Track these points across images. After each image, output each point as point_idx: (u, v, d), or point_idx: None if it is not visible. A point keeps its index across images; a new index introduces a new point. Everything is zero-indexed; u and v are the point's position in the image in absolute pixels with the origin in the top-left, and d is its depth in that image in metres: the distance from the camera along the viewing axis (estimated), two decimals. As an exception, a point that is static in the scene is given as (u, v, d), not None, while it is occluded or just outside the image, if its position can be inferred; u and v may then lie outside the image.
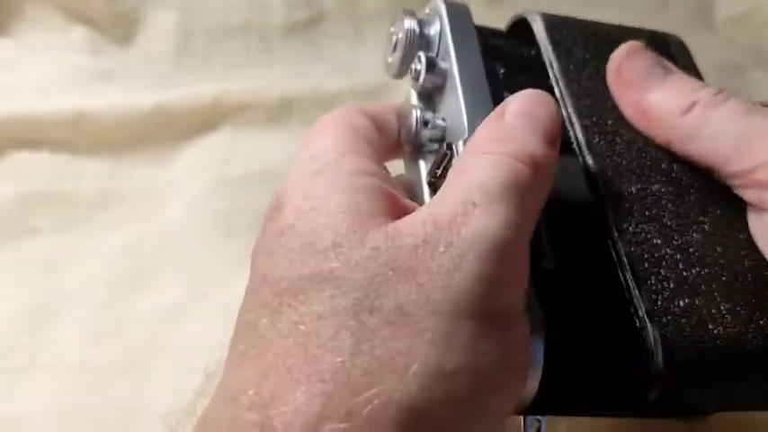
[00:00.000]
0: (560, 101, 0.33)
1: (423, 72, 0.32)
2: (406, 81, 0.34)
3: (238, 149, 0.57)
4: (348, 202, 0.26)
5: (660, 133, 0.32)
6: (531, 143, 0.27)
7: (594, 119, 0.33)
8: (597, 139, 0.32)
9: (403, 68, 0.33)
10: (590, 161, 0.31)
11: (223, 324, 0.47)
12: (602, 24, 0.38)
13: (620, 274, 0.28)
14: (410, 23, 0.33)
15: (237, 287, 0.49)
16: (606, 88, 0.34)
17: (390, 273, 0.23)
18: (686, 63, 0.38)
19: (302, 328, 0.23)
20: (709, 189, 0.31)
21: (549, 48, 0.35)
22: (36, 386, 0.44)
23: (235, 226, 0.51)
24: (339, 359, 0.22)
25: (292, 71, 0.63)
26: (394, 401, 0.21)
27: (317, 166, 0.28)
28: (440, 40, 0.32)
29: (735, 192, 0.31)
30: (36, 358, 0.45)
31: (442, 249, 0.23)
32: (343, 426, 0.21)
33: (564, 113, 0.33)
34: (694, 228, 0.30)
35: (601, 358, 0.28)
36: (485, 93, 0.31)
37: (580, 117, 0.33)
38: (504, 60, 0.34)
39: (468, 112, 0.30)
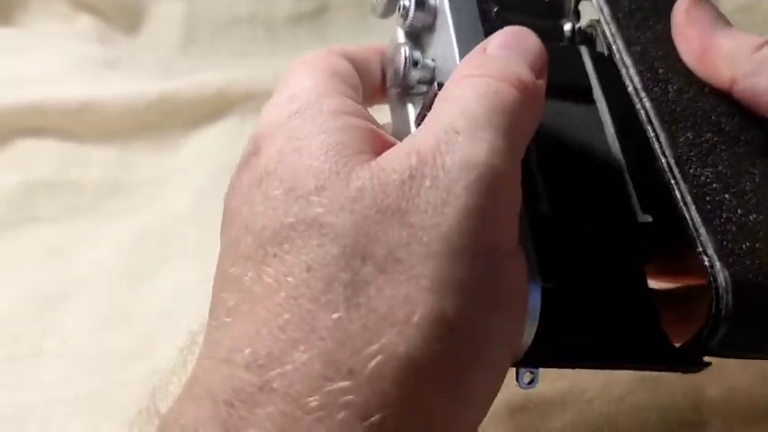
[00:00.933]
0: (612, 45, 0.33)
1: (412, 9, 0.30)
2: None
3: (245, 138, 0.56)
4: (330, 142, 0.24)
5: (725, 71, 0.32)
6: (517, 68, 0.26)
7: (647, 65, 0.32)
8: (652, 85, 0.31)
9: (390, 7, 0.32)
10: (647, 104, 0.31)
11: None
12: None
13: (686, 215, 0.28)
14: None
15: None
16: (656, 38, 0.34)
17: (378, 215, 0.22)
18: None
19: (291, 280, 0.22)
20: (756, 142, 0.32)
21: None
22: (42, 373, 0.44)
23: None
24: (335, 315, 0.21)
25: (298, 61, 0.62)
26: (397, 356, 0.21)
27: (295, 107, 0.26)
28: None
29: None
30: (42, 346, 0.45)
31: (428, 184, 0.22)
32: (344, 384, 0.20)
33: (617, 57, 0.32)
34: (746, 177, 0.30)
35: (606, 306, 0.28)
36: (477, 30, 0.30)
37: (634, 62, 0.32)
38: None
39: (459, 50, 0.29)
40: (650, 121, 0.30)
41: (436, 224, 0.22)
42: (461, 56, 0.28)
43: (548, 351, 0.26)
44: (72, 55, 0.61)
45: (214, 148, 0.56)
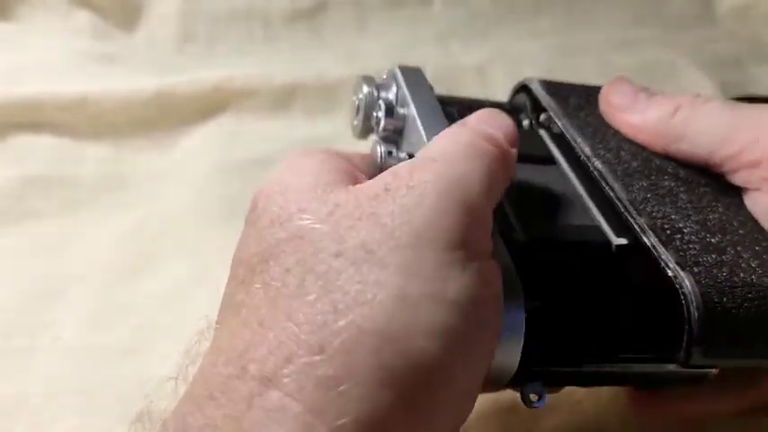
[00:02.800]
0: (566, 132, 0.36)
1: (383, 117, 0.34)
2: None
3: (241, 135, 0.57)
4: (314, 181, 0.27)
5: (656, 142, 0.35)
6: (493, 133, 0.29)
7: (598, 139, 0.36)
8: (603, 152, 0.35)
9: (366, 128, 0.36)
10: (599, 165, 0.34)
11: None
12: (588, 85, 0.41)
13: (647, 240, 0.30)
14: (368, 88, 0.36)
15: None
16: (604, 123, 0.37)
17: (353, 220, 0.24)
18: None
19: (273, 284, 0.24)
20: (716, 184, 0.34)
21: (548, 97, 0.39)
22: (36, 368, 0.44)
23: (236, 211, 0.50)
24: (308, 298, 0.23)
25: (296, 58, 0.63)
26: (364, 330, 0.22)
27: (287, 167, 0.29)
28: (397, 96, 0.35)
29: (729, 179, 0.34)
30: (36, 340, 0.45)
31: (403, 192, 0.24)
32: (316, 358, 0.22)
33: (569, 136, 0.36)
34: (709, 210, 0.32)
35: (591, 321, 0.29)
36: (443, 123, 0.33)
37: (584, 138, 0.35)
38: (459, 105, 0.37)
39: (426, 129, 0.32)
40: (603, 178, 0.33)
41: (407, 221, 0.24)
42: (427, 133, 0.32)
43: (537, 367, 0.27)
44: (69, 50, 0.61)
45: (210, 144, 0.56)
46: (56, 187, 0.54)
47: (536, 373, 0.28)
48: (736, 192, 0.34)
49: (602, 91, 0.38)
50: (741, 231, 0.31)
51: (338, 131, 0.58)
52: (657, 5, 0.75)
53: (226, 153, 0.56)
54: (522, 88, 0.41)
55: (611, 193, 0.32)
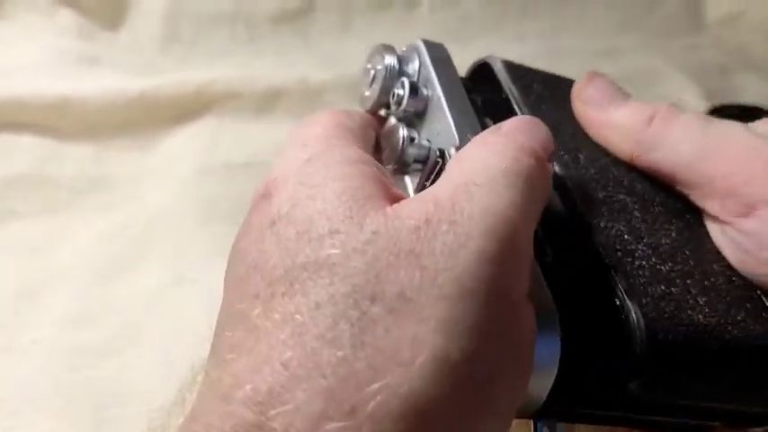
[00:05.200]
0: None
1: (406, 96, 0.32)
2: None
3: (224, 137, 0.57)
4: (343, 188, 0.25)
5: (626, 147, 0.34)
6: (533, 144, 0.27)
7: (558, 138, 0.33)
8: (562, 153, 0.33)
9: (381, 101, 0.34)
10: (557, 169, 0.32)
11: (207, 310, 0.47)
12: (554, 74, 0.39)
13: (601, 262, 0.28)
14: (390, 59, 0.33)
15: (220, 274, 0.49)
16: (565, 118, 0.35)
17: (391, 257, 0.22)
18: None
19: (299, 318, 0.22)
20: (671, 203, 0.32)
21: (510, 82, 0.36)
22: (14, 369, 0.43)
23: (219, 213, 0.51)
24: (340, 353, 0.21)
25: (280, 61, 0.63)
26: (399, 396, 0.20)
27: (308, 154, 0.27)
28: (419, 73, 0.33)
29: (694, 202, 0.32)
30: (14, 341, 0.45)
31: (445, 228, 0.22)
32: (345, 423, 0.20)
33: None
34: (662, 233, 0.30)
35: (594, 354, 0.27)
36: (470, 112, 0.31)
37: None
38: (481, 93, 0.35)
39: (456, 124, 0.30)
40: (561, 185, 0.31)
41: (450, 267, 0.22)
42: (458, 128, 0.29)
43: (566, 401, 0.26)
44: (52, 50, 0.61)
45: (192, 146, 0.56)
46: (38, 187, 0.54)
47: (553, 411, 0.26)
48: (693, 214, 0.33)
49: (577, 84, 0.36)
50: (692, 261, 0.30)
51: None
52: (645, 12, 0.76)
53: (208, 155, 0.55)
54: (483, 66, 0.38)
55: (569, 205, 0.31)
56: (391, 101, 0.33)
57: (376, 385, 0.20)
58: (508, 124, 0.28)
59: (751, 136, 0.31)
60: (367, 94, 0.34)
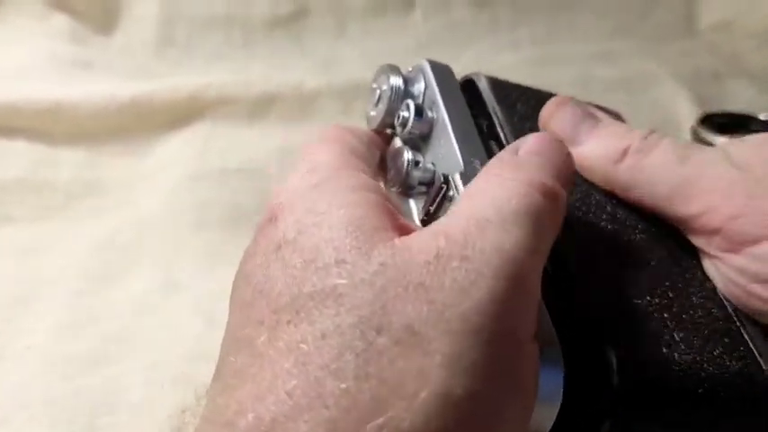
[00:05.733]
0: (505, 143, 0.33)
1: (411, 118, 0.32)
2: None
3: (216, 143, 0.57)
4: (350, 217, 0.24)
5: (599, 179, 0.32)
6: (546, 176, 0.26)
7: None
8: None
9: (386, 121, 0.34)
10: None
11: (197, 318, 0.48)
12: (540, 90, 0.38)
13: (577, 297, 0.28)
14: (396, 80, 0.33)
15: (212, 281, 0.50)
16: None
17: (399, 289, 0.22)
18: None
19: (304, 347, 0.22)
20: (654, 231, 0.32)
21: (494, 101, 0.35)
22: (6, 375, 0.43)
23: (211, 220, 0.51)
24: (344, 385, 0.21)
25: (274, 65, 0.62)
26: (401, 430, 0.20)
27: (315, 180, 0.27)
28: (424, 95, 0.33)
29: (685, 235, 0.31)
30: (6, 349, 0.44)
31: (455, 264, 0.22)
32: None
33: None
34: (642, 263, 0.30)
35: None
36: (475, 136, 0.31)
37: None
38: (486, 117, 0.35)
39: (461, 149, 0.30)
40: None
41: (459, 302, 0.22)
42: (463, 154, 0.29)
43: None
44: (45, 54, 0.60)
45: (186, 152, 0.56)
46: (30, 192, 0.54)
47: None
48: (677, 243, 0.31)
49: (542, 112, 0.34)
50: (671, 294, 0.29)
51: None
52: (638, 18, 0.76)
53: (201, 161, 0.55)
54: (468, 82, 0.37)
55: None
56: (396, 122, 0.33)
57: (380, 419, 0.20)
58: (526, 147, 0.27)
59: (731, 169, 0.30)
60: (372, 113, 0.34)
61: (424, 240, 0.23)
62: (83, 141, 0.56)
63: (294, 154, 0.56)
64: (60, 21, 0.63)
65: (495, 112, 0.35)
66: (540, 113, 0.34)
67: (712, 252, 0.30)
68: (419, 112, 0.32)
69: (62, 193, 0.54)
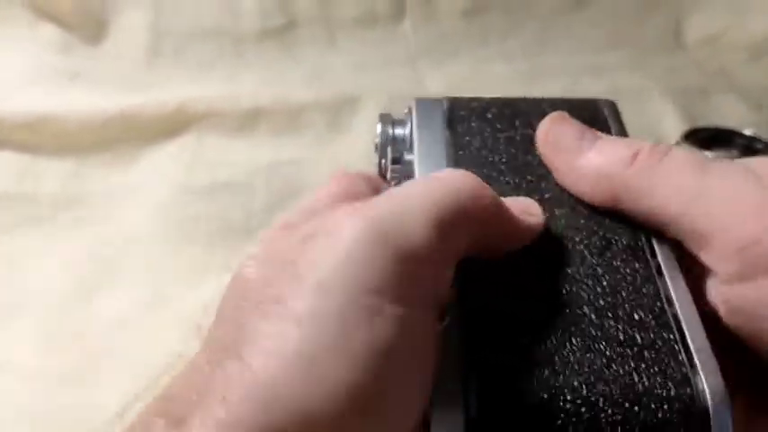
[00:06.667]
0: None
1: (389, 165, 0.33)
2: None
3: (203, 157, 0.57)
4: None
5: (604, 191, 0.29)
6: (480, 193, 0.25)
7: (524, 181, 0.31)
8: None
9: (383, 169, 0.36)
10: None
11: (180, 331, 0.47)
12: (513, 99, 0.35)
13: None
14: (381, 128, 0.35)
15: (196, 294, 0.49)
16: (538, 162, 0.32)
17: (278, 271, 0.23)
18: (619, 128, 0.36)
19: (212, 331, 0.24)
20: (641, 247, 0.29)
21: (445, 127, 0.34)
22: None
23: (196, 233, 0.51)
24: (220, 343, 0.22)
25: (264, 76, 0.62)
26: (258, 381, 0.21)
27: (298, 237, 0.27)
28: (411, 136, 0.33)
29: (691, 251, 0.28)
30: (-12, 363, 0.44)
31: (321, 240, 0.23)
32: (218, 409, 0.21)
33: None
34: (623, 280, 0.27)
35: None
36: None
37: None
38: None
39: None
40: None
41: (318, 266, 0.23)
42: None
43: None
44: (33, 64, 0.60)
45: (172, 166, 0.56)
46: (15, 204, 0.54)
47: None
48: (656, 256, 0.28)
49: (540, 127, 0.32)
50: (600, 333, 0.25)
51: (303, 155, 0.57)
52: (628, 32, 0.76)
53: (187, 175, 0.55)
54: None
55: None
56: (380, 171, 0.35)
57: (246, 374, 0.21)
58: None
59: (758, 186, 0.27)
60: (376, 162, 0.36)
61: (306, 227, 0.25)
62: (69, 153, 0.56)
63: (282, 168, 0.56)
64: (49, 30, 0.63)
65: (446, 138, 0.33)
66: (538, 129, 0.32)
67: (720, 273, 0.27)
68: (396, 160, 0.33)
69: (47, 205, 0.54)
